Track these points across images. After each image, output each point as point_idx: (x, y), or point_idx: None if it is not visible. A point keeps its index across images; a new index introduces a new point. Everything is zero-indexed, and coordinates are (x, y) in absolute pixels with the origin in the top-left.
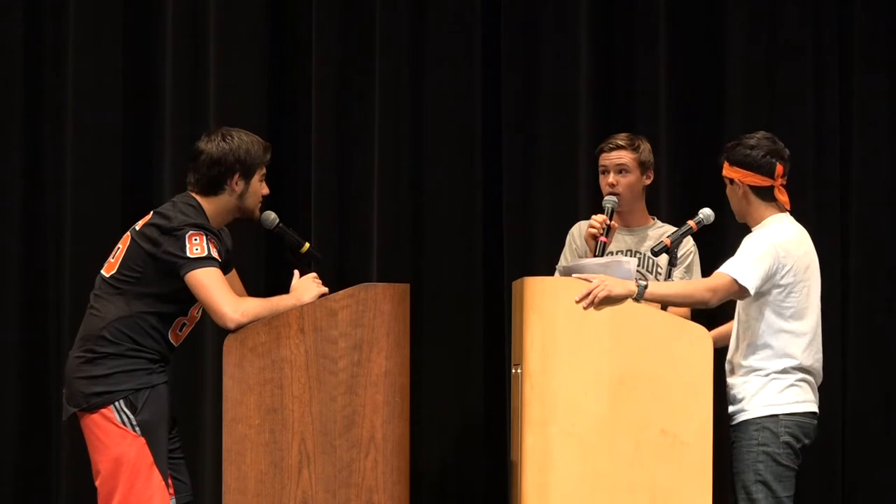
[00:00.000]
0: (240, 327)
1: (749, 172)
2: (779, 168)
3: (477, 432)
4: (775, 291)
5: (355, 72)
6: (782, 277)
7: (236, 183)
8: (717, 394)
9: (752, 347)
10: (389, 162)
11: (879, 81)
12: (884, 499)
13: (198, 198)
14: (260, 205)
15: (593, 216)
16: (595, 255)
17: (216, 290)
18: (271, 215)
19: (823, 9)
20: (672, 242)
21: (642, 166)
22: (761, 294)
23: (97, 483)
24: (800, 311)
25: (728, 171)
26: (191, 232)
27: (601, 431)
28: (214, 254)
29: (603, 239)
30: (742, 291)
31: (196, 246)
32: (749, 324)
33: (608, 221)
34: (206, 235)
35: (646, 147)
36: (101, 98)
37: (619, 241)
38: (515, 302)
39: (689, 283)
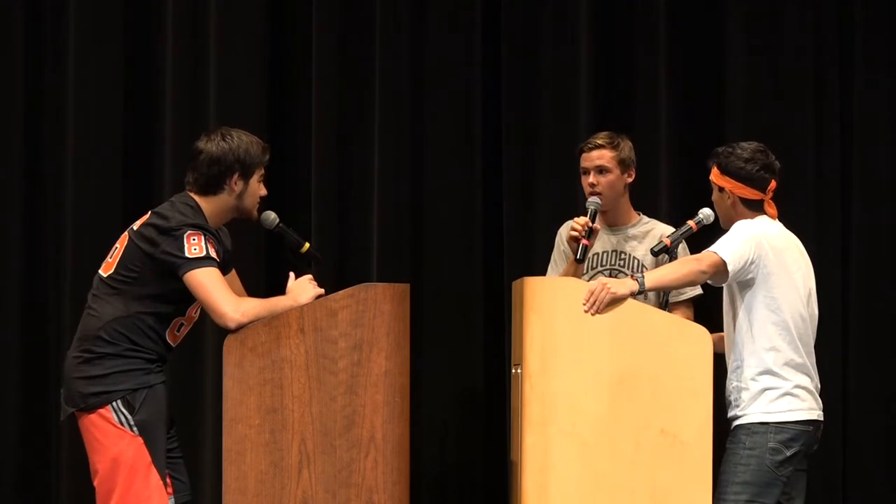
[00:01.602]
0: (240, 327)
1: (741, 185)
2: (772, 183)
3: (477, 432)
4: (759, 281)
5: (355, 72)
6: (764, 266)
7: (235, 182)
8: (717, 394)
9: (742, 341)
10: (389, 162)
11: (879, 81)
12: (884, 499)
13: (196, 198)
14: (258, 205)
15: (575, 219)
16: (576, 258)
17: (216, 289)
18: (271, 215)
19: (823, 9)
20: (672, 242)
21: (622, 164)
22: (747, 285)
23: (95, 483)
24: (788, 302)
25: (719, 178)
26: (189, 232)
27: (601, 431)
28: (213, 254)
29: (584, 242)
30: (724, 270)
31: (194, 246)
32: (739, 317)
33: (590, 224)
34: (205, 235)
35: (626, 145)
36: (101, 98)
37: (603, 240)
38: (515, 302)
39: (678, 261)
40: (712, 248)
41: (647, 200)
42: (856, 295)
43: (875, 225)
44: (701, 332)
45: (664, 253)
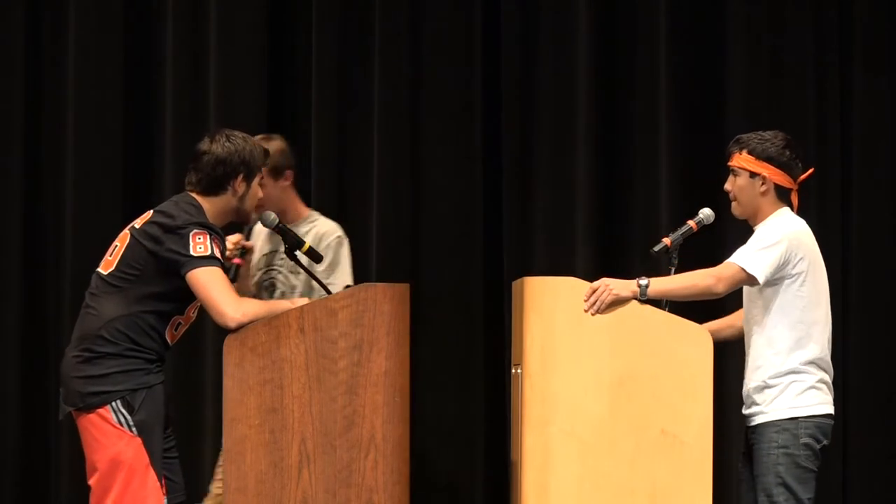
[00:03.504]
0: (240, 327)
1: (780, 171)
2: (805, 173)
3: (477, 432)
4: (788, 281)
5: (355, 72)
6: (794, 266)
7: (239, 184)
8: (717, 394)
9: (766, 340)
10: (389, 162)
11: (879, 82)
12: (884, 499)
13: (198, 198)
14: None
15: (229, 237)
16: (230, 278)
17: (217, 289)
18: (271, 214)
19: (823, 9)
20: (672, 242)
21: (274, 172)
22: (773, 284)
23: (91, 482)
24: (815, 300)
25: (755, 164)
26: (195, 231)
27: (601, 432)
28: (217, 254)
29: (237, 261)
30: (751, 279)
31: (199, 245)
32: (764, 316)
33: (243, 242)
34: (210, 235)
35: (276, 150)
36: (101, 98)
37: (273, 240)
38: (515, 302)
39: (692, 273)
40: (735, 260)
41: (647, 200)
42: (856, 295)
43: (875, 225)
44: (701, 332)
45: (664, 253)
